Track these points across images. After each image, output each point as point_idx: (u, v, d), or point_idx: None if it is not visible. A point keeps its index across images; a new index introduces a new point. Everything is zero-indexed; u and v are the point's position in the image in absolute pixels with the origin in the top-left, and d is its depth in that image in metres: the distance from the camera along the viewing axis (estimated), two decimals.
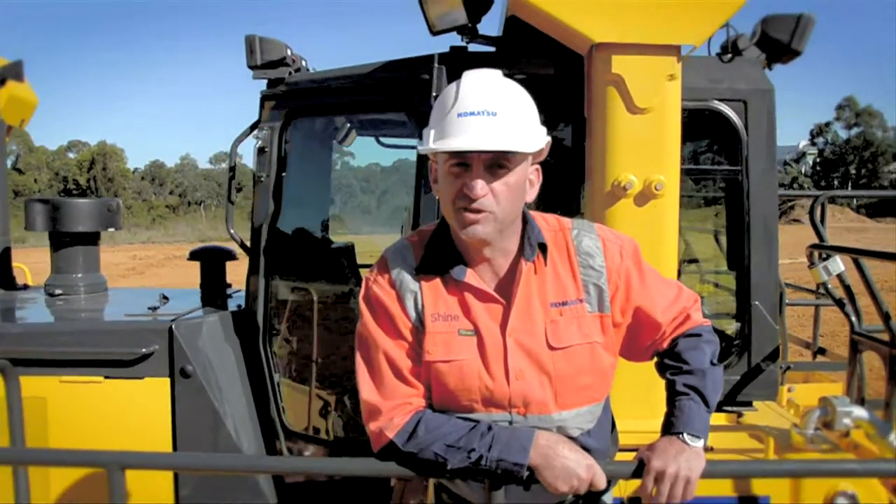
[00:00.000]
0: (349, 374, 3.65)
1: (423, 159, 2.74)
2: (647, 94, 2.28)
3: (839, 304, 3.28)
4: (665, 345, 1.68)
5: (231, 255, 4.04)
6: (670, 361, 1.67)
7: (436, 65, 2.60)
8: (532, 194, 1.58)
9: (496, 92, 1.51)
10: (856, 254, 3.04)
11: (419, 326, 1.56)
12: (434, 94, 2.57)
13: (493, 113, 1.47)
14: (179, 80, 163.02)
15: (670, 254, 2.39)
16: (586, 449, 1.54)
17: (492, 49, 2.79)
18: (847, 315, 3.23)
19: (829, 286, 3.28)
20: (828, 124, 79.06)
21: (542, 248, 1.58)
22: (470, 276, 1.57)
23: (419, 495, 2.53)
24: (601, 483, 1.49)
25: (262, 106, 3.18)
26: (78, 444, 3.13)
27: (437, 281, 1.58)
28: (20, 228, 4.58)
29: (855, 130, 77.64)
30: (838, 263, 3.17)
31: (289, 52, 3.22)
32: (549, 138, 1.56)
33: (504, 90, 1.53)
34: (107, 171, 65.18)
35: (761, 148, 2.68)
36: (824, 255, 3.23)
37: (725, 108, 2.67)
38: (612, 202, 2.34)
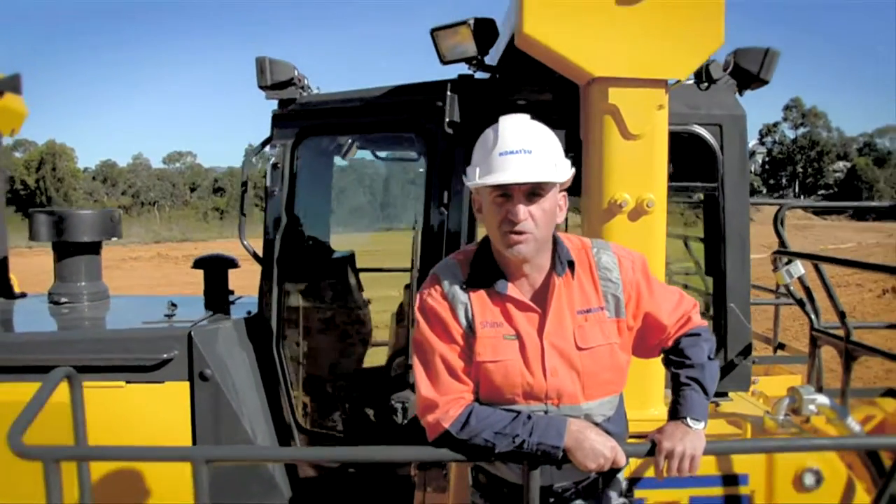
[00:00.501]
0: (356, 374, 3.88)
1: (433, 178, 2.99)
2: (639, 122, 2.56)
3: (800, 303, 3.65)
4: (670, 343, 1.99)
5: (234, 263, 4.22)
6: (674, 357, 1.97)
7: (448, 93, 2.86)
8: (561, 217, 1.87)
9: (530, 133, 1.80)
10: (816, 259, 3.41)
11: (469, 332, 1.84)
12: (447, 119, 2.83)
13: (528, 151, 1.76)
14: (130, 77, 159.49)
15: (659, 263, 2.69)
16: (608, 433, 1.83)
17: (495, 77, 3.05)
18: (807, 313, 3.61)
19: (791, 287, 3.65)
20: (776, 124, 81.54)
21: (570, 264, 1.86)
22: (511, 290, 1.85)
23: (439, 481, 2.78)
24: (622, 461, 1.79)
25: (273, 124, 3.38)
26: None
27: (483, 293, 1.85)
28: None
29: (801, 130, 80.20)
30: (799, 267, 3.53)
31: (296, 73, 3.43)
32: (573, 169, 1.84)
33: (536, 131, 1.82)
34: (56, 171, 63.57)
35: (735, 167, 3.01)
36: (786, 260, 3.59)
37: (703, 132, 2.99)
38: (608, 218, 2.63)
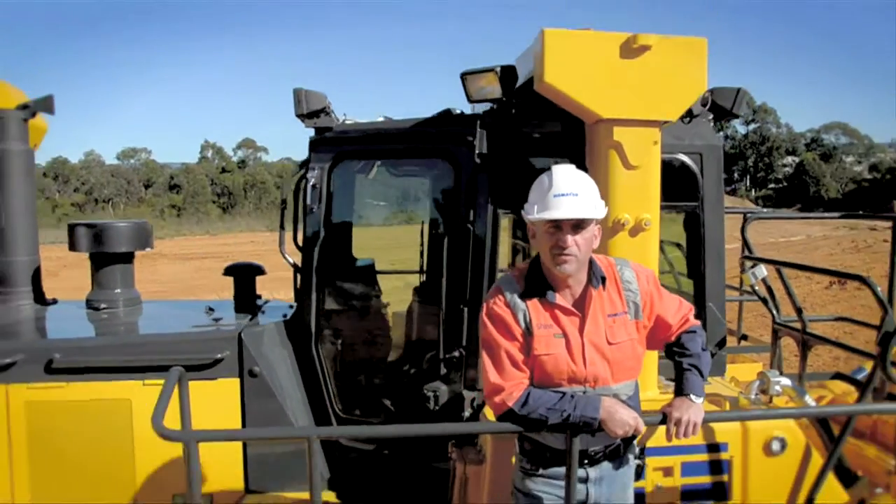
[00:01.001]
0: (386, 368, 4.35)
1: (461, 199, 3.47)
2: (638, 155, 3.10)
3: (763, 301, 4.25)
4: (672, 338, 2.54)
5: (261, 271, 4.65)
6: (677, 349, 2.53)
7: (478, 129, 3.35)
8: (596, 244, 2.39)
9: (576, 180, 2.34)
10: (777, 264, 4.01)
11: (527, 332, 2.36)
12: (477, 151, 3.33)
13: (576, 194, 2.29)
14: (80, 72, 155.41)
15: (654, 270, 3.23)
16: (630, 408, 2.36)
17: (512, 112, 3.54)
18: (770, 310, 4.21)
19: (756, 287, 4.25)
20: (728, 120, 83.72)
21: (603, 279, 2.39)
22: (558, 299, 2.38)
23: (474, 455, 3.27)
24: (642, 428, 2.33)
25: (311, 149, 3.82)
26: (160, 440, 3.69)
27: (536, 301, 2.38)
28: None
29: (752, 126, 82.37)
30: (762, 270, 4.13)
31: (328, 103, 3.87)
32: (607, 208, 2.36)
33: (581, 178, 2.35)
34: None
35: (712, 188, 3.57)
36: (752, 264, 4.19)
37: (687, 159, 3.55)
38: (612, 235, 3.15)
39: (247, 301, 4.55)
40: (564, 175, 2.36)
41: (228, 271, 4.63)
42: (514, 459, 2.85)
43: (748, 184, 79.49)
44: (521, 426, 2.36)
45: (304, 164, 3.88)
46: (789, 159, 79.70)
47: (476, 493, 3.10)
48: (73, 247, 4.49)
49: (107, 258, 4.48)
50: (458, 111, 4.23)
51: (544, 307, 2.39)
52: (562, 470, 2.40)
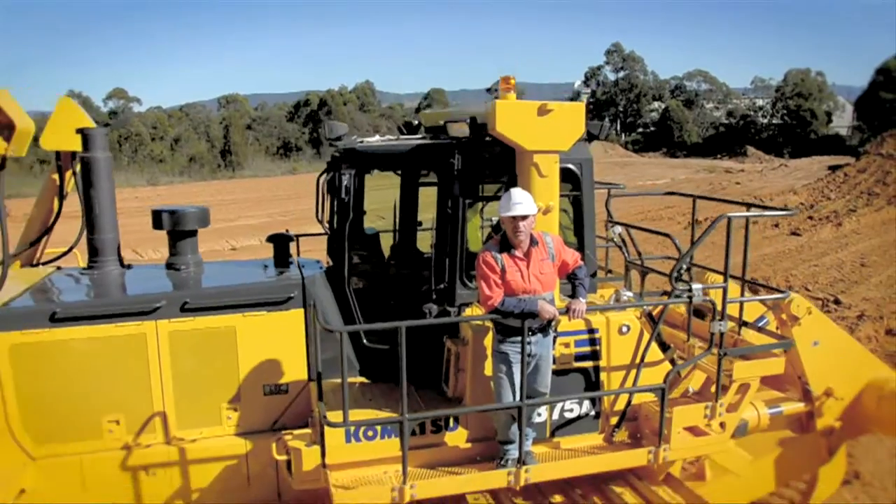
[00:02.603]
0: (394, 297, 6.58)
1: (444, 196, 5.74)
2: (547, 169, 5.44)
3: (619, 247, 6.87)
4: (570, 270, 5.04)
5: (292, 239, 6.73)
6: (573, 276, 5.05)
7: (457, 153, 5.59)
8: (534, 225, 4.79)
9: (522, 195, 4.77)
10: (628, 226, 6.62)
11: (503, 270, 4.75)
12: (456, 168, 5.57)
13: (521, 202, 4.70)
14: None
15: (556, 233, 5.67)
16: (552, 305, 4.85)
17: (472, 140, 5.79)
18: (623, 253, 6.84)
19: (615, 239, 6.85)
20: (599, 68, 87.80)
21: (537, 243, 4.82)
22: (516, 253, 4.81)
23: (459, 340, 5.61)
24: (557, 315, 4.81)
25: (343, 161, 5.91)
26: (256, 350, 5.79)
27: (506, 255, 4.79)
28: None
29: (622, 74, 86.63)
30: (618, 228, 6.74)
31: (347, 129, 6.01)
32: (537, 207, 4.77)
33: (524, 194, 4.77)
34: None
35: (588, 182, 6.00)
36: (612, 224, 6.78)
37: (573, 167, 5.95)
38: None
39: (284, 260, 6.62)
40: (516, 193, 4.78)
41: (270, 239, 6.67)
42: (486, 340, 5.29)
43: (618, 128, 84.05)
44: (501, 315, 4.80)
45: (330, 168, 6.02)
46: (656, 105, 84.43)
47: (463, 361, 5.50)
48: (159, 227, 6.36)
49: (182, 234, 6.42)
50: (416, 122, 6.53)
51: (510, 257, 4.81)
52: (518, 337, 4.84)
